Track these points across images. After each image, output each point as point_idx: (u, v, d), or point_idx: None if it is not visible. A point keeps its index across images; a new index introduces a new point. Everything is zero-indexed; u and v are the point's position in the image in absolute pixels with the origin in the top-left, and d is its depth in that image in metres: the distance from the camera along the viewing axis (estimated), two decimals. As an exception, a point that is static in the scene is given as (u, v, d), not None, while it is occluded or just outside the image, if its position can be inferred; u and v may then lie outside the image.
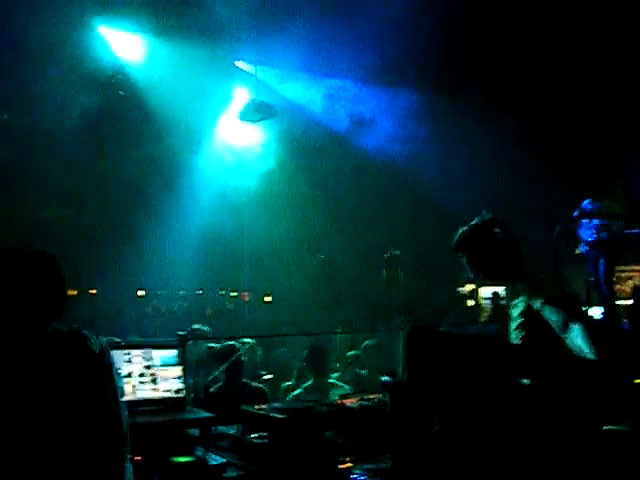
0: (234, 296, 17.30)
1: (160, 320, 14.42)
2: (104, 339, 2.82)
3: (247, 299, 17.59)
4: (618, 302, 9.78)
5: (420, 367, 2.52)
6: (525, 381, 2.35)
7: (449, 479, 2.45)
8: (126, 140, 11.92)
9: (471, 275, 3.81)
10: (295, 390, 6.17)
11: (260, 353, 7.69)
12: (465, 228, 3.77)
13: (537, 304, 3.46)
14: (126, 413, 2.79)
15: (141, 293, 16.63)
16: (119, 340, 4.56)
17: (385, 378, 3.17)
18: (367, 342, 7.53)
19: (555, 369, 2.50)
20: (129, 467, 2.76)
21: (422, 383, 2.51)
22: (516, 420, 2.38)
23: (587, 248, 9.16)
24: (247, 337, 6.64)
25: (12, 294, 2.68)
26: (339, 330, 9.85)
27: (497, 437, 2.40)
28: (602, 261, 9.03)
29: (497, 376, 2.43)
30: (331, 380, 6.17)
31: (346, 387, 5.99)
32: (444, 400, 2.47)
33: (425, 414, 2.51)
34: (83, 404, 2.64)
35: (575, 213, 9.13)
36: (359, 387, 5.95)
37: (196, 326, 7.28)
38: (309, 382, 6.11)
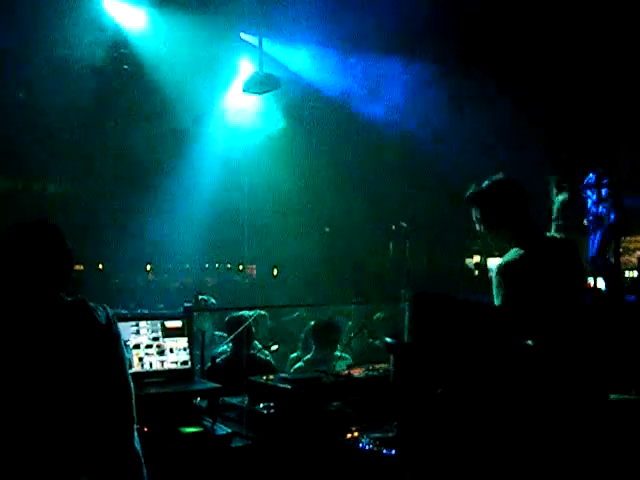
0: (241, 270, 17.37)
1: (166, 294, 14.45)
2: (110, 310, 2.82)
3: (254, 272, 17.66)
4: (624, 273, 9.75)
5: (424, 330, 2.53)
6: (529, 342, 2.35)
7: (451, 440, 2.47)
8: (130, 115, 11.88)
9: (480, 229, 3.67)
10: (297, 363, 6.18)
11: (269, 324, 7.68)
12: (483, 182, 3.65)
13: None
14: (132, 384, 2.80)
15: (148, 268, 16.72)
16: (126, 312, 4.57)
17: (388, 340, 3.18)
18: (378, 314, 7.54)
19: (558, 332, 2.50)
20: (136, 437, 2.78)
21: (426, 346, 2.52)
22: (518, 381, 2.39)
23: (590, 219, 9.10)
24: (254, 308, 6.63)
25: (18, 265, 2.68)
26: (348, 302, 9.83)
27: (499, 398, 2.41)
28: (598, 233, 8.95)
29: (499, 338, 2.44)
30: (337, 353, 6.17)
31: (349, 358, 5.99)
32: (448, 363, 2.48)
33: (429, 376, 2.53)
34: (89, 374, 2.65)
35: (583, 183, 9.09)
36: (371, 357, 5.93)
37: (203, 296, 7.27)
38: (309, 355, 6.13)
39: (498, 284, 3.29)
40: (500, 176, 3.62)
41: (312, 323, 6.57)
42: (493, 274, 3.38)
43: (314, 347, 6.09)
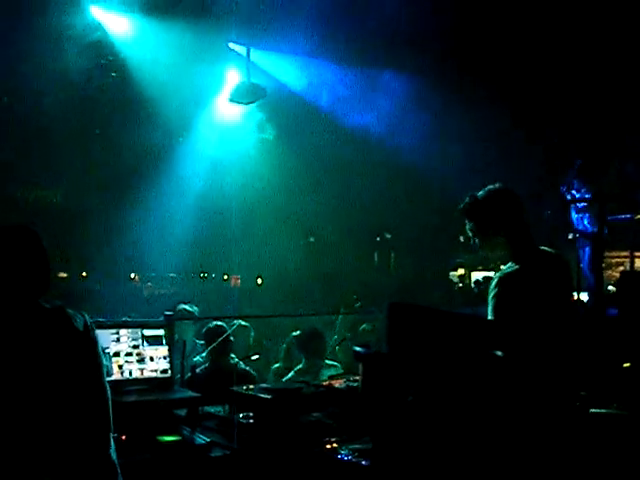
0: (225, 279, 17.33)
1: (151, 302, 14.40)
2: (89, 317, 2.81)
3: (238, 282, 17.63)
4: (609, 288, 9.78)
5: (398, 340, 2.53)
6: (498, 353, 2.35)
7: (420, 447, 2.47)
8: (116, 122, 11.86)
9: (475, 241, 3.61)
10: (289, 373, 6.16)
11: (252, 334, 7.65)
12: (477, 193, 3.59)
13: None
14: (109, 392, 2.78)
15: (133, 276, 16.65)
16: (105, 320, 4.55)
17: (357, 348, 3.18)
18: (364, 325, 7.53)
19: (528, 343, 2.51)
20: (113, 446, 2.76)
21: (397, 355, 2.52)
22: (487, 391, 2.40)
23: (577, 234, 9.11)
24: (235, 317, 6.62)
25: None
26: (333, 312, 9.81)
27: (469, 407, 2.41)
28: (587, 249, 8.97)
29: (470, 348, 2.44)
30: (327, 361, 6.16)
31: (339, 366, 5.99)
32: (419, 371, 2.48)
33: (399, 385, 2.53)
34: (66, 381, 2.63)
35: (568, 197, 9.11)
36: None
37: (183, 306, 7.22)
38: (300, 365, 6.11)
39: (494, 295, 3.28)
40: (496, 186, 3.58)
41: (294, 334, 6.56)
42: (491, 287, 3.35)
43: (304, 358, 6.09)
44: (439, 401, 2.42)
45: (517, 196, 3.56)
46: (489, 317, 3.23)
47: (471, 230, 3.61)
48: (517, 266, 3.40)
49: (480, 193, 3.57)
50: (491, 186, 3.57)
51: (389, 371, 2.57)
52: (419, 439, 2.46)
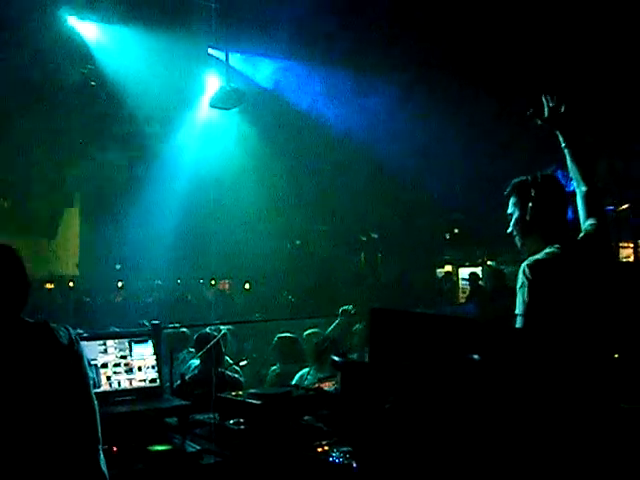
0: (213, 285, 17.28)
1: (137, 310, 14.37)
2: (73, 331, 2.81)
3: (227, 287, 17.60)
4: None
5: (379, 346, 2.54)
6: (475, 356, 2.33)
7: (399, 453, 2.47)
8: (97, 131, 11.86)
9: (516, 223, 3.33)
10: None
11: (230, 339, 7.63)
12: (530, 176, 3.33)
13: None
14: (97, 404, 2.78)
15: (120, 285, 16.57)
16: (83, 332, 4.54)
17: (335, 358, 3.18)
18: (357, 326, 7.55)
19: (505, 345, 2.50)
20: (102, 458, 2.76)
21: (376, 362, 2.53)
22: (464, 395, 2.40)
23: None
24: (221, 324, 6.61)
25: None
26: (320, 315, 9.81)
27: (446, 413, 2.42)
28: None
29: (447, 352, 2.44)
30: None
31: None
32: (399, 378, 2.49)
33: (378, 392, 2.53)
34: (52, 395, 2.63)
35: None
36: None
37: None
38: (274, 367, 6.28)
39: (522, 284, 3.06)
40: (548, 172, 3.38)
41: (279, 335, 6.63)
42: (519, 274, 3.10)
43: (279, 362, 6.19)
44: (418, 407, 2.43)
45: (561, 189, 3.34)
46: (518, 310, 3.05)
47: (517, 209, 3.34)
48: (557, 251, 3.18)
49: (533, 175, 3.34)
50: (543, 172, 3.36)
51: (367, 379, 2.58)
52: (398, 446, 2.47)
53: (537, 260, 3.15)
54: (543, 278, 3.08)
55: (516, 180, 3.38)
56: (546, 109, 3.53)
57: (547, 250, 3.20)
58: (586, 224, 3.39)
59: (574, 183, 3.49)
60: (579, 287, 3.14)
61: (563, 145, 3.49)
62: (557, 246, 3.20)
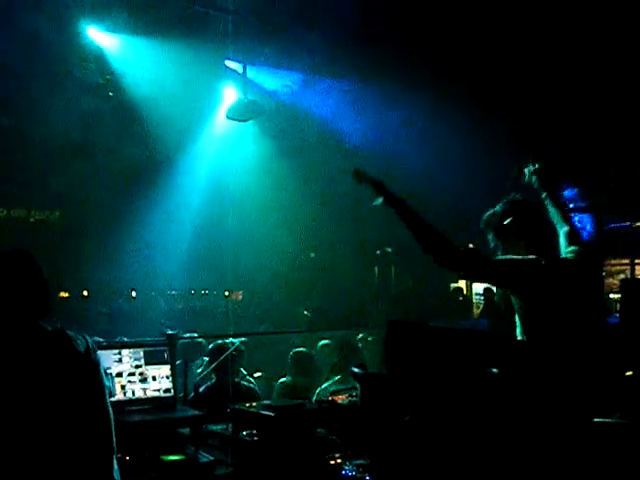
0: (226, 296, 17.24)
1: (151, 320, 14.39)
2: (90, 339, 2.82)
3: (240, 298, 17.57)
4: (610, 296, 9.77)
5: (397, 359, 2.53)
6: (494, 370, 2.35)
7: (418, 465, 2.47)
8: (114, 141, 11.90)
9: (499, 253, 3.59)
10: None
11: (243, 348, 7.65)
12: (498, 206, 3.65)
13: None
14: (112, 413, 2.78)
15: (134, 294, 16.58)
16: (102, 340, 4.56)
17: (355, 369, 3.19)
18: (368, 338, 7.57)
19: (522, 358, 2.50)
20: (116, 468, 2.76)
21: (395, 374, 2.53)
22: (482, 408, 2.39)
23: None
24: (236, 336, 6.61)
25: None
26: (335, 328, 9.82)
27: (465, 425, 2.41)
28: None
29: (466, 366, 2.44)
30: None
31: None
32: (418, 390, 2.48)
33: (398, 404, 2.53)
34: (68, 403, 2.63)
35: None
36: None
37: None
38: (284, 379, 6.36)
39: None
40: (516, 196, 3.64)
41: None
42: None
43: (291, 374, 6.26)
44: (436, 419, 2.42)
45: (535, 206, 3.63)
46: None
47: (494, 241, 3.66)
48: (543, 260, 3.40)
49: (499, 206, 3.64)
50: (509, 197, 3.63)
51: (386, 391, 2.58)
52: (416, 458, 2.46)
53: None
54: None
55: (485, 216, 3.70)
56: (527, 175, 3.93)
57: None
58: (568, 250, 3.65)
59: (556, 225, 3.79)
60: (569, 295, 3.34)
61: (544, 196, 3.85)
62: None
